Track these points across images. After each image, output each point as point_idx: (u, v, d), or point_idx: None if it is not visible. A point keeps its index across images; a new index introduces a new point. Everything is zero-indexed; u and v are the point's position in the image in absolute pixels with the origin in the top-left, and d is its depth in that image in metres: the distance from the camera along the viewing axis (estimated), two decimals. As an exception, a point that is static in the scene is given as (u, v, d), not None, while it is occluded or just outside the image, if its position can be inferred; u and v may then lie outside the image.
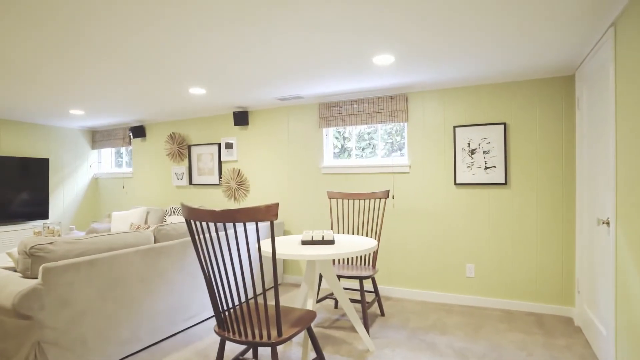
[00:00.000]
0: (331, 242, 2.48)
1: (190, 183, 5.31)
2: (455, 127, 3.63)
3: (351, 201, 4.17)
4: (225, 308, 2.70)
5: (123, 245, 2.69)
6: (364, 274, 3.04)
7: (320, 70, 3.18)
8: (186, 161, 5.36)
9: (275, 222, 4.36)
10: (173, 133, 5.40)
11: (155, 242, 2.99)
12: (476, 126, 3.54)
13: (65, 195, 6.03)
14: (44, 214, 5.57)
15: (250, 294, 3.94)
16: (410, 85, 3.65)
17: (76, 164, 6.19)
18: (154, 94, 3.92)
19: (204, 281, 3.32)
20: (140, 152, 5.87)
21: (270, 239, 3.11)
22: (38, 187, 5.51)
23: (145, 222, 5.11)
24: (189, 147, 5.28)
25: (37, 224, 5.32)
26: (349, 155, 4.39)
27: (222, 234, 3.49)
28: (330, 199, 3.59)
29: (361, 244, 2.51)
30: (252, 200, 4.83)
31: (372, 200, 4.04)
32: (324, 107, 4.28)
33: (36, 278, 2.29)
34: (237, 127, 4.94)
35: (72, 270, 2.30)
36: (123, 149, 6.34)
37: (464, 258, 3.64)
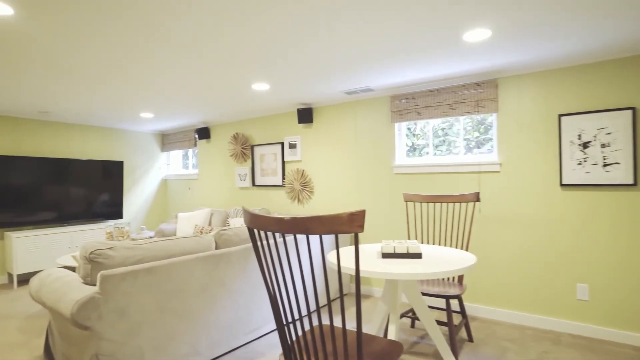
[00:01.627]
0: (418, 255, 2.04)
1: (253, 184, 5.14)
2: (560, 115, 2.99)
3: (431, 205, 3.67)
4: (292, 333, 2.38)
5: (182, 252, 2.49)
6: (451, 292, 2.56)
7: (394, 56, 2.76)
8: (249, 162, 5.21)
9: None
10: (236, 133, 5.28)
11: (216, 248, 2.77)
12: (590, 113, 2.88)
13: (137, 196, 6.21)
14: (119, 214, 5.77)
15: (313, 307, 3.61)
16: (503, 68, 3.08)
17: (147, 166, 6.37)
18: (217, 91, 3.76)
19: (267, 292, 3.04)
20: (205, 153, 5.86)
21: (335, 250, 2.74)
22: (114, 188, 5.71)
23: (209, 224, 5.03)
24: (252, 147, 5.12)
25: (110, 225, 5.50)
26: (420, 153, 3.90)
27: (284, 241, 3.20)
28: (406, 202, 3.14)
29: (456, 258, 2.04)
30: (317, 202, 4.52)
31: (458, 204, 3.51)
32: (397, 99, 3.83)
33: (95, 285, 2.15)
34: (301, 125, 4.67)
35: (129, 278, 2.12)
36: (190, 151, 6.41)
37: (573, 276, 2.98)
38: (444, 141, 3.79)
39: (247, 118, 5.24)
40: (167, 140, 6.45)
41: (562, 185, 2.99)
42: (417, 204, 3.75)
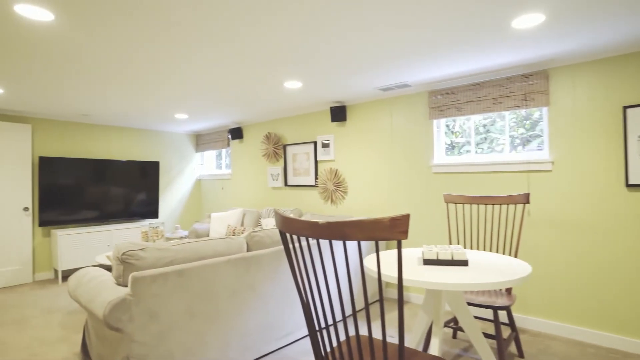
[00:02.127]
0: (464, 263, 1.86)
1: (286, 184, 5.07)
2: (626, 107, 2.68)
3: (474, 207, 3.43)
4: (326, 341, 2.26)
5: (213, 254, 2.43)
6: (499, 302, 2.34)
7: (435, 48, 2.57)
8: (281, 161, 5.15)
9: (377, 228, 3.82)
10: (269, 133, 5.24)
11: (247, 249, 2.69)
12: (661, 106, 2.55)
13: (172, 195, 6.33)
14: (155, 213, 5.89)
15: (348, 312, 3.47)
16: (555, 57, 2.81)
17: (182, 166, 6.47)
18: (250, 91, 3.71)
19: (298, 296, 2.94)
20: (238, 153, 5.86)
21: (372, 255, 2.58)
22: (151, 188, 5.84)
23: (242, 224, 5.01)
24: (285, 146, 5.05)
25: (146, 224, 5.62)
26: (459, 152, 3.66)
27: (318, 246, 3.08)
28: (447, 203, 2.94)
29: (507, 266, 1.84)
30: (351, 203, 4.37)
31: (504, 206, 3.26)
32: (435, 95, 3.62)
33: (127, 286, 2.12)
34: (334, 123, 4.54)
35: (160, 280, 2.08)
36: (223, 151, 6.45)
37: None
38: (485, 138, 3.54)
39: (280, 117, 5.18)
40: (201, 141, 6.53)
41: (628, 185, 2.68)
42: (459, 206, 3.53)
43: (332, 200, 4.56)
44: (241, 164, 5.81)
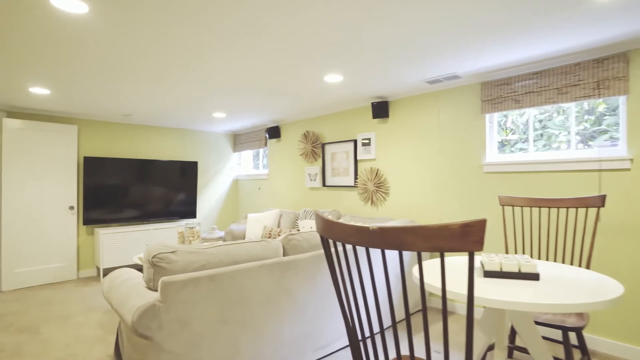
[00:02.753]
0: (534, 276, 1.57)
1: (324, 184, 4.89)
2: None
3: (534, 210, 3.07)
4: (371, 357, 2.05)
5: (248, 258, 2.28)
6: (570, 322, 2.01)
7: (492, 32, 2.27)
8: (320, 161, 4.97)
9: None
10: (307, 131, 5.08)
11: (284, 254, 2.52)
12: None
13: (210, 196, 6.34)
14: (193, 213, 5.91)
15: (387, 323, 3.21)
16: (639, 36, 2.42)
17: (219, 166, 6.47)
18: (289, 86, 3.56)
19: (337, 305, 2.73)
20: (275, 153, 5.76)
21: (418, 265, 2.32)
22: (189, 188, 5.87)
23: (278, 225, 4.88)
24: (323, 145, 4.87)
25: (182, 224, 5.63)
26: (511, 150, 3.30)
27: (367, 255, 2.86)
28: (502, 206, 2.62)
29: (589, 283, 1.53)
30: (393, 204, 4.11)
31: (573, 210, 2.88)
32: (489, 86, 3.29)
33: (157, 291, 2.01)
34: (376, 120, 4.30)
35: (191, 285, 1.95)
36: (260, 151, 6.38)
37: None
38: (542, 135, 3.16)
39: (318, 115, 5.01)
40: (238, 140, 6.50)
41: None
42: (517, 209, 3.17)
43: (372, 202, 4.32)
44: (278, 164, 5.70)
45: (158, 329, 1.85)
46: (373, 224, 0.92)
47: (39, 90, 3.66)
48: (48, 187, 4.67)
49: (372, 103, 4.14)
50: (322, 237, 1.21)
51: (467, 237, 0.82)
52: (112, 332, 3.11)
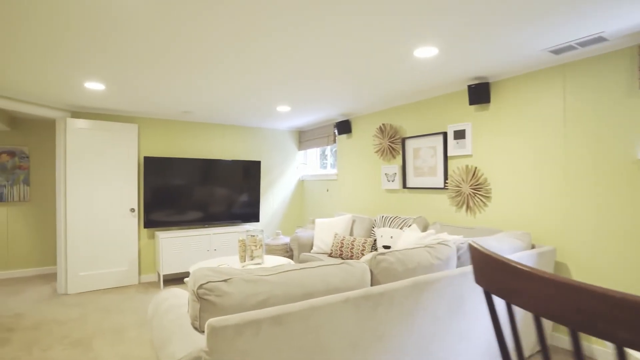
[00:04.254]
0: None
1: (404, 186, 4.14)
2: None
3: None
4: None
5: (325, 288, 1.65)
6: None
7: None
8: (399, 159, 4.24)
9: (540, 249, 2.67)
10: (383, 125, 4.37)
11: (372, 281, 1.86)
12: None
13: (273, 198, 5.88)
14: (256, 217, 5.49)
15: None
16: None
17: (284, 166, 6.00)
18: (367, 66, 2.89)
19: (443, 349, 2.01)
20: (345, 150, 5.12)
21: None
22: (252, 189, 5.46)
23: (351, 233, 4.23)
24: (403, 140, 4.13)
25: (244, 229, 5.20)
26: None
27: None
28: None
29: None
30: (495, 211, 3.26)
31: None
32: (654, 49, 2.34)
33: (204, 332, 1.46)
34: (473, 107, 3.47)
35: (249, 331, 1.36)
36: (328, 150, 5.79)
37: None
38: None
39: (397, 105, 4.28)
40: (304, 138, 5.97)
41: None
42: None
43: (467, 207, 3.50)
44: (349, 163, 5.06)
45: (203, 395, 1.29)
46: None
47: (94, 85, 3.39)
48: (110, 189, 4.49)
49: (469, 86, 3.33)
50: (486, 293, 0.53)
51: None
52: (164, 358, 2.68)
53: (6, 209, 5.00)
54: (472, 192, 3.42)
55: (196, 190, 5.00)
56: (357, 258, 3.80)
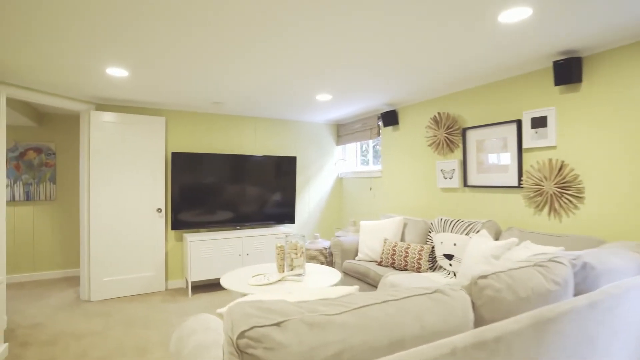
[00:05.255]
0: None
1: (465, 184, 3.56)
2: None
3: None
4: None
5: (418, 330, 1.13)
6: None
7: None
8: (458, 152, 3.65)
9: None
10: (438, 114, 3.79)
11: (474, 316, 1.33)
12: None
13: (310, 197, 5.41)
14: (291, 217, 5.03)
15: None
16: None
17: (321, 162, 5.51)
18: (427, 39, 2.35)
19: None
20: (391, 144, 4.57)
21: None
22: (287, 187, 5.00)
23: (402, 239, 3.69)
24: (464, 131, 3.54)
25: (280, 231, 4.72)
26: None
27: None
28: None
29: None
30: (590, 216, 2.63)
31: None
32: None
33: (248, 401, 0.97)
34: (558, 88, 2.86)
35: (319, 412, 0.87)
36: (369, 145, 5.25)
37: None
38: None
39: (454, 92, 3.70)
40: (343, 132, 5.46)
41: None
42: None
43: (551, 209, 2.89)
44: (396, 158, 4.50)
45: None
46: None
47: (116, 72, 3.02)
48: (136, 187, 4.15)
49: (555, 62, 2.72)
50: None
51: None
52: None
53: (32, 208, 4.78)
54: (558, 191, 2.80)
55: (227, 188, 4.59)
56: (413, 268, 3.26)
